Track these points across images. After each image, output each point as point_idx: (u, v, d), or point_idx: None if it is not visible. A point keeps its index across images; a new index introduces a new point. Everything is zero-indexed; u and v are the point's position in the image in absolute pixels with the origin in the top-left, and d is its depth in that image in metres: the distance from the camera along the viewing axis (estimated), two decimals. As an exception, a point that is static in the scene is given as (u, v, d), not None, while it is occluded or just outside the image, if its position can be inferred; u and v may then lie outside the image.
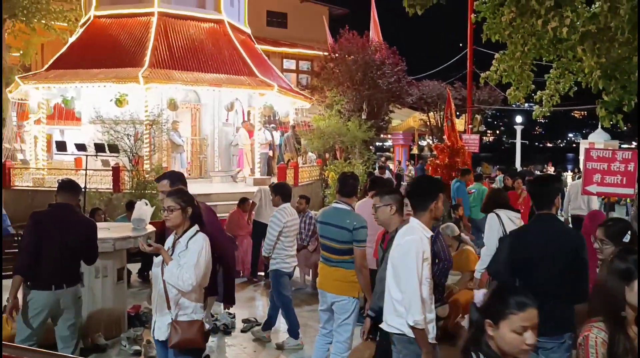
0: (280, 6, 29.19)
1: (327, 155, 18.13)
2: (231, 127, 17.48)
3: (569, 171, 18.18)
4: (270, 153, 17.69)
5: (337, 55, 20.44)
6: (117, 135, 12.97)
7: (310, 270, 8.77)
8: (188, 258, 3.62)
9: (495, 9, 8.52)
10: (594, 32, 5.96)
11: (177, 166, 15.20)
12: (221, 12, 16.75)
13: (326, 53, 21.56)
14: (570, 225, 8.97)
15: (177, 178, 4.55)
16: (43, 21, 19.52)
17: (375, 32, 23.16)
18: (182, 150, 15.26)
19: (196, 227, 3.77)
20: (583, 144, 24.78)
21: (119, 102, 13.89)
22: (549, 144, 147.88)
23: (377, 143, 28.07)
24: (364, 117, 18.89)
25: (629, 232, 3.45)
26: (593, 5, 6.90)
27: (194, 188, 14.61)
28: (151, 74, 14.00)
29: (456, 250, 6.75)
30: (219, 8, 16.73)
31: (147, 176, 12.76)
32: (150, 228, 6.41)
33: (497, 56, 9.35)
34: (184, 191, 3.89)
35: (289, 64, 28.02)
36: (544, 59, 9.08)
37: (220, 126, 17.03)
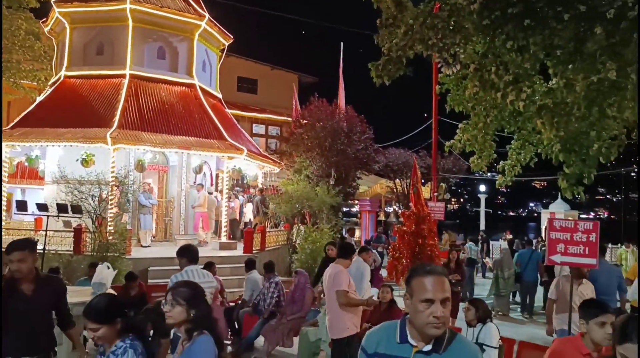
0: (251, 72, 29.85)
1: (294, 219, 18.06)
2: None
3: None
4: (237, 217, 17.51)
5: (305, 121, 20.77)
6: (81, 196, 12.75)
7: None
8: None
9: (459, 82, 8.89)
10: (551, 107, 6.22)
11: (141, 228, 14.89)
12: (193, 76, 17.01)
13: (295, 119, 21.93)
14: None
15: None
16: (12, 79, 19.43)
17: (343, 101, 23.76)
18: (147, 211, 14.89)
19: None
20: (545, 214, 25.38)
21: (85, 162, 13.72)
22: (511, 213, 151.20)
23: (345, 208, 28.18)
24: (332, 183, 19.04)
25: None
26: (550, 82, 7.25)
27: (159, 251, 14.36)
28: (119, 135, 13.92)
29: None
30: (191, 72, 17.01)
31: (110, 238, 12.46)
32: (111, 293, 6.17)
33: (460, 125, 9.63)
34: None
35: (259, 128, 28.37)
36: (505, 130, 9.41)
37: (187, 188, 16.88)
